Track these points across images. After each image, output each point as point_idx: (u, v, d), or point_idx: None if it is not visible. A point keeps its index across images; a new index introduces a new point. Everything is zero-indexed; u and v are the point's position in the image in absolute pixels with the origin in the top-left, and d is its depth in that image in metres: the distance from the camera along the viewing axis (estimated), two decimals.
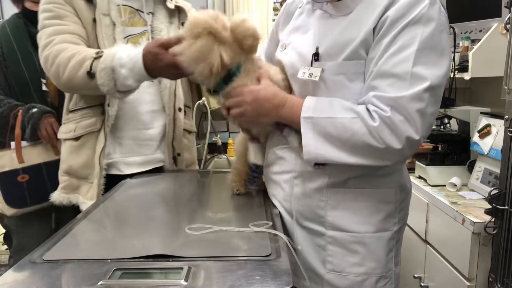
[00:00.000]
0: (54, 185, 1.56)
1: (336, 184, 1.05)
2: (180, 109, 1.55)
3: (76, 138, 1.48)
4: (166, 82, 1.52)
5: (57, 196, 1.51)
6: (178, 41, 1.08)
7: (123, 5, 1.49)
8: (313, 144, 0.97)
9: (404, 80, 0.91)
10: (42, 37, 1.41)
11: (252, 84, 1.05)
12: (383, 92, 0.92)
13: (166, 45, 1.20)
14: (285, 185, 1.12)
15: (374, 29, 0.96)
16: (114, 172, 1.50)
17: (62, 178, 1.52)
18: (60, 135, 1.54)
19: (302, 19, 1.13)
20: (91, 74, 1.30)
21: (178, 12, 1.58)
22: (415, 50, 0.91)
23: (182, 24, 1.54)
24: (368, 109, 0.94)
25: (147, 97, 1.51)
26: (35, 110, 1.77)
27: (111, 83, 1.29)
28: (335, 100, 0.98)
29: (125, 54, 1.28)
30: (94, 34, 1.43)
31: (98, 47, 1.42)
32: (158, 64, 1.22)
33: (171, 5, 1.54)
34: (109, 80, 1.29)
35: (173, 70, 1.19)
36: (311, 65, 1.02)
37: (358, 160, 0.95)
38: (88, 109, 1.48)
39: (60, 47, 1.36)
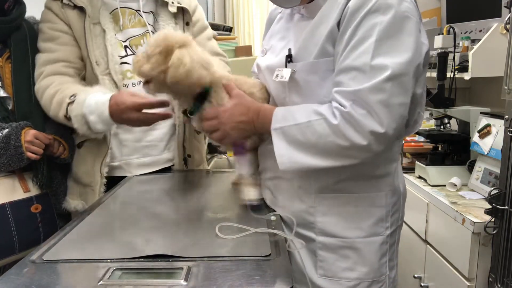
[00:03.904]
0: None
1: (325, 189, 1.04)
2: None
3: (79, 146, 1.50)
4: None
5: (68, 204, 1.52)
6: (149, 104, 1.23)
7: (121, 7, 1.48)
8: (286, 154, 0.96)
9: (364, 72, 0.89)
10: (36, 64, 1.45)
11: (223, 99, 1.06)
12: (345, 86, 0.90)
13: (136, 107, 1.26)
14: (275, 191, 1.12)
15: (338, 23, 0.94)
16: (121, 174, 1.50)
17: (70, 184, 1.55)
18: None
19: (281, 24, 1.13)
20: (67, 118, 1.36)
21: (182, 13, 1.57)
22: (374, 41, 0.89)
23: (187, 24, 1.56)
24: (331, 106, 0.92)
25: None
26: (6, 131, 1.33)
27: (84, 127, 1.34)
28: (302, 106, 0.98)
29: (93, 101, 1.32)
30: (86, 46, 1.44)
31: (89, 59, 1.43)
32: (124, 118, 1.29)
33: (173, 9, 1.54)
34: (82, 125, 1.33)
35: (138, 123, 1.30)
36: (286, 67, 1.02)
37: (330, 162, 0.94)
38: None
39: (47, 82, 1.41)
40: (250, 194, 1.11)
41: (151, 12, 1.54)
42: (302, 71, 0.99)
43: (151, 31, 1.51)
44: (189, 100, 1.08)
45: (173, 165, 1.57)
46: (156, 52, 1.01)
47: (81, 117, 1.32)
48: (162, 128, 1.53)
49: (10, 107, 1.41)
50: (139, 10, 1.51)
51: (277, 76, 1.03)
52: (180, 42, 1.00)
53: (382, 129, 0.88)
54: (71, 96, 1.35)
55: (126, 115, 1.27)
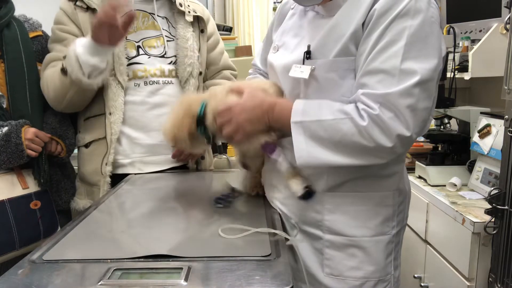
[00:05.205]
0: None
1: (333, 188, 1.04)
2: None
3: (86, 146, 1.53)
4: (190, 87, 1.56)
5: (76, 204, 1.55)
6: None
7: (136, 10, 1.51)
8: (305, 148, 0.95)
9: (393, 76, 0.89)
10: (43, 63, 1.50)
11: (227, 99, 1.05)
12: (372, 89, 0.90)
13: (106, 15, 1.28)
14: (283, 189, 1.11)
15: (363, 23, 0.94)
16: (133, 171, 1.53)
17: (77, 184, 1.59)
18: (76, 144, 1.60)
19: (294, 20, 1.12)
20: (64, 70, 1.38)
21: (197, 22, 1.62)
22: (404, 45, 0.89)
23: (202, 31, 1.62)
24: (357, 108, 0.92)
25: (168, 99, 1.53)
26: (6, 129, 1.36)
27: (76, 65, 1.35)
28: (323, 102, 0.97)
29: (81, 39, 1.38)
30: None
31: None
32: (99, 31, 1.30)
33: (189, 18, 1.58)
34: (75, 62, 1.35)
35: (109, 33, 1.30)
36: (303, 64, 1.00)
37: (352, 160, 0.94)
38: (94, 118, 1.52)
39: (46, 73, 1.47)
40: (299, 186, 1.06)
41: (166, 17, 1.58)
42: (321, 69, 0.98)
43: (165, 36, 1.55)
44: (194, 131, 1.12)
45: (187, 165, 1.61)
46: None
47: (73, 55, 1.35)
48: None
49: (4, 106, 1.42)
50: (153, 14, 1.55)
51: (295, 72, 1.01)
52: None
53: (408, 132, 0.89)
54: (64, 56, 1.41)
55: (99, 26, 1.30)
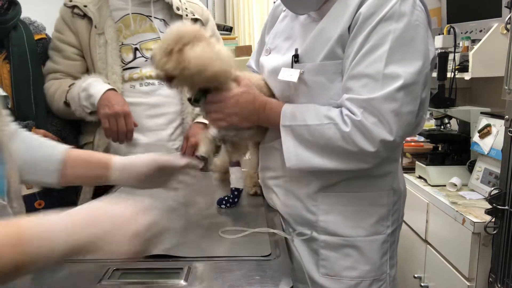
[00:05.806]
0: None
1: (327, 188, 1.04)
2: None
3: (81, 147, 1.56)
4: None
5: (79, 201, 1.56)
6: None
7: (133, 13, 1.52)
8: (293, 151, 0.97)
9: (377, 80, 0.89)
10: (45, 67, 1.54)
11: (231, 86, 1.03)
12: (356, 93, 0.91)
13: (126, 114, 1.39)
14: (277, 190, 1.12)
15: (349, 27, 0.94)
16: None
17: None
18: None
19: (286, 23, 1.12)
20: (67, 104, 1.46)
21: (196, 24, 1.62)
22: (388, 49, 0.89)
23: None
24: (342, 113, 0.93)
25: (165, 100, 1.54)
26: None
27: (78, 104, 1.42)
28: (311, 106, 0.98)
29: (93, 80, 1.42)
30: (90, 56, 1.50)
31: (94, 68, 1.49)
32: (106, 111, 1.38)
33: (187, 22, 1.57)
34: (78, 102, 1.42)
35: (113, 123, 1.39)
36: (292, 67, 1.01)
37: (337, 164, 0.95)
38: (86, 122, 1.54)
39: (49, 83, 1.51)
40: (235, 182, 1.15)
41: (163, 19, 1.58)
42: (310, 72, 0.98)
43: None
44: (195, 89, 1.05)
45: None
46: (176, 50, 0.96)
47: (77, 96, 1.41)
48: (172, 129, 1.56)
49: (9, 106, 1.43)
50: (150, 16, 1.55)
51: (284, 76, 1.02)
52: (195, 37, 0.97)
53: (391, 137, 0.90)
54: (70, 85, 1.46)
55: (120, 106, 1.37)
